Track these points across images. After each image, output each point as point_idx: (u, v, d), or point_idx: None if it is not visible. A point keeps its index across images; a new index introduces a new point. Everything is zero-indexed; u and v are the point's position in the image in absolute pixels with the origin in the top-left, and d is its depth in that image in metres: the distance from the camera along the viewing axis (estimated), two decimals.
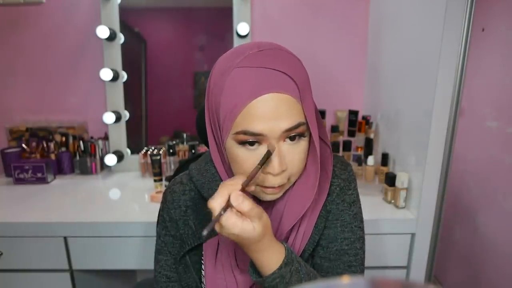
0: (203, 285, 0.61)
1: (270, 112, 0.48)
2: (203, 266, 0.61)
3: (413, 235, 1.08)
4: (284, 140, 0.51)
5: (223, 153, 0.57)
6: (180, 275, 0.62)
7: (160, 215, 0.66)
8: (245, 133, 0.49)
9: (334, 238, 0.61)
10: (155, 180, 1.30)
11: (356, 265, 0.61)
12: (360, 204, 0.64)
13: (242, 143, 0.50)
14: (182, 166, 0.90)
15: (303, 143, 0.53)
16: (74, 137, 1.55)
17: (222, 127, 0.52)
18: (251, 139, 0.50)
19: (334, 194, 0.61)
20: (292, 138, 0.51)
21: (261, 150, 0.51)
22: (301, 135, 0.52)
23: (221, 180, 0.60)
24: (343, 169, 0.64)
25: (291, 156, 0.52)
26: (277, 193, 0.54)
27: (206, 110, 0.58)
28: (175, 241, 0.63)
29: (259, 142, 0.50)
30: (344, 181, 0.62)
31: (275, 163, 0.50)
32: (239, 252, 0.58)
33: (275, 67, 0.48)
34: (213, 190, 0.59)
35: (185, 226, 0.62)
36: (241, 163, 0.52)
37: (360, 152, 1.43)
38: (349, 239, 0.61)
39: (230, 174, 0.59)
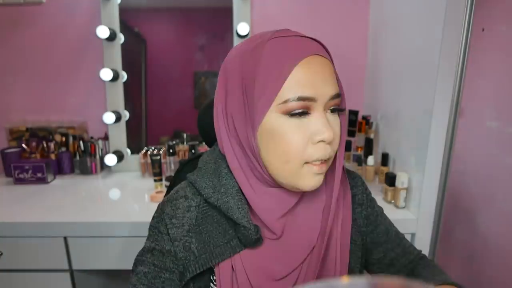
0: None
1: (318, 73, 0.46)
2: None
3: (413, 235, 1.08)
4: (326, 111, 0.49)
5: (244, 147, 0.51)
6: None
7: (154, 227, 0.57)
8: (295, 99, 0.45)
9: (386, 229, 0.66)
10: (155, 180, 1.31)
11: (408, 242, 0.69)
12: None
13: (291, 115, 0.46)
14: (183, 167, 0.90)
15: (339, 119, 0.51)
16: (74, 137, 1.55)
17: (256, 104, 0.47)
18: (299, 108, 0.46)
19: (362, 201, 0.64)
20: (331, 111, 0.49)
21: (309, 121, 0.47)
22: (338, 109, 0.50)
23: (240, 194, 0.53)
24: (352, 178, 0.66)
25: (334, 128, 0.49)
26: (322, 174, 0.50)
27: (218, 103, 0.53)
28: (166, 254, 0.55)
29: (305, 113, 0.47)
30: (362, 185, 0.66)
31: (326, 128, 0.46)
32: (257, 283, 0.52)
33: (311, 37, 0.50)
34: (243, 209, 0.52)
35: (186, 251, 0.54)
36: (290, 137, 0.46)
37: (360, 152, 1.43)
38: (390, 224, 0.69)
39: (249, 173, 0.53)
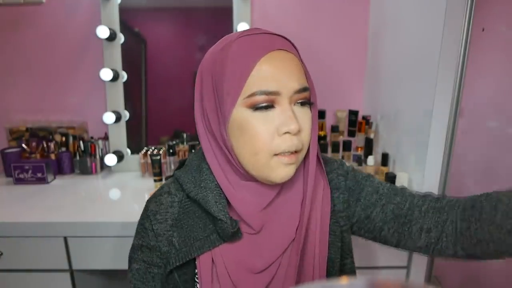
0: None
1: (282, 68, 0.48)
2: (197, 286, 0.56)
3: None
4: (294, 104, 0.50)
5: (219, 142, 0.53)
6: None
7: (140, 224, 0.61)
8: (259, 93, 0.47)
9: (375, 188, 0.61)
10: (155, 180, 1.31)
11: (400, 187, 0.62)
12: (367, 174, 0.64)
13: (256, 108, 0.48)
14: (182, 165, 0.90)
15: (309, 112, 0.53)
16: (74, 137, 1.55)
17: (225, 100, 0.49)
18: (264, 102, 0.48)
19: (339, 184, 0.61)
20: (301, 104, 0.51)
21: (275, 114, 0.49)
22: (308, 102, 0.52)
23: (218, 189, 0.55)
24: (329, 164, 0.64)
25: (302, 120, 0.51)
26: (292, 164, 0.51)
27: (196, 102, 0.56)
28: (152, 250, 0.58)
29: (270, 106, 0.49)
30: (337, 168, 0.63)
31: (291, 120, 0.48)
32: (236, 276, 0.54)
33: (278, 34, 0.51)
34: (220, 203, 0.54)
35: (169, 245, 0.56)
36: (256, 130, 0.49)
37: (360, 152, 1.43)
38: (380, 183, 0.62)
39: (227, 167, 0.55)
